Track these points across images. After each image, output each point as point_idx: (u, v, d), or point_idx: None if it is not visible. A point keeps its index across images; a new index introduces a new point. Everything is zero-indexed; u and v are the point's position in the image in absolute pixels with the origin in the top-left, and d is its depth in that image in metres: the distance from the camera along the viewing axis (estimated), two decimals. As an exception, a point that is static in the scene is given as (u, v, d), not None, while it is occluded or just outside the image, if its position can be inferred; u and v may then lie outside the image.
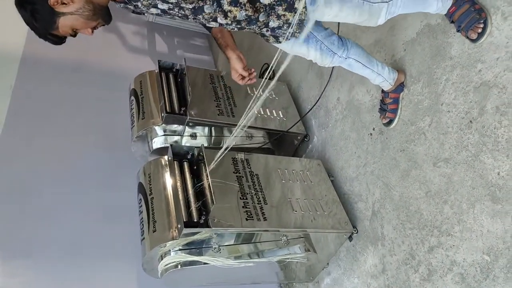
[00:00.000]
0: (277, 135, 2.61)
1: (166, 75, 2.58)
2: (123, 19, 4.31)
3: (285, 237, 2.02)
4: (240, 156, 2.22)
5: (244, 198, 2.00)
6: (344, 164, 2.38)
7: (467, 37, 1.63)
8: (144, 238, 1.93)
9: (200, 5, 1.30)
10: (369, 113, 2.21)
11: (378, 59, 1.87)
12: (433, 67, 1.82)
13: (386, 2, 1.50)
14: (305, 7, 1.40)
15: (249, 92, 2.67)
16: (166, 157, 2.20)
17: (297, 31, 1.49)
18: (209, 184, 1.95)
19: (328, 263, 2.37)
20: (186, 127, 2.41)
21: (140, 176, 2.17)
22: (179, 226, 1.81)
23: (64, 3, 1.19)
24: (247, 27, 1.43)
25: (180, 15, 1.35)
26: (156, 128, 2.40)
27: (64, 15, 1.20)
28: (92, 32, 1.30)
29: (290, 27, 1.44)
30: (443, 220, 1.72)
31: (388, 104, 2.00)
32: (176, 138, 2.46)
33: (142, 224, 1.98)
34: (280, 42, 1.56)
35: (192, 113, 2.35)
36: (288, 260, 2.04)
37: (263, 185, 2.13)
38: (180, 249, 1.88)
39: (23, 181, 2.57)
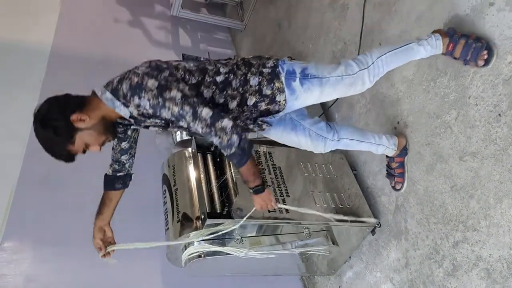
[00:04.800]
0: (300, 129, 2.60)
1: (190, 68, 2.61)
2: (147, 14, 4.37)
3: (307, 230, 2.03)
4: (263, 148, 2.23)
5: (267, 190, 2.01)
6: (367, 158, 2.36)
7: (477, 66, 1.62)
8: (168, 228, 1.98)
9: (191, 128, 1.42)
10: (394, 107, 2.19)
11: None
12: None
13: (366, 68, 1.52)
14: (285, 100, 1.48)
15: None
16: (189, 149, 2.23)
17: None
18: (232, 176, 1.98)
19: (350, 257, 2.37)
20: (210, 119, 2.43)
21: (164, 168, 2.22)
22: (202, 217, 1.85)
23: (82, 120, 1.33)
24: None
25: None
26: (180, 120, 2.43)
27: (81, 130, 1.35)
28: (100, 148, 1.44)
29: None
30: (469, 215, 1.69)
31: (395, 169, 2.02)
32: (200, 130, 2.49)
33: (167, 215, 2.02)
34: (263, 130, 1.62)
35: (216, 106, 2.37)
36: (310, 252, 2.05)
37: (285, 178, 2.13)
38: (203, 240, 1.92)
39: (52, 173, 2.64)
